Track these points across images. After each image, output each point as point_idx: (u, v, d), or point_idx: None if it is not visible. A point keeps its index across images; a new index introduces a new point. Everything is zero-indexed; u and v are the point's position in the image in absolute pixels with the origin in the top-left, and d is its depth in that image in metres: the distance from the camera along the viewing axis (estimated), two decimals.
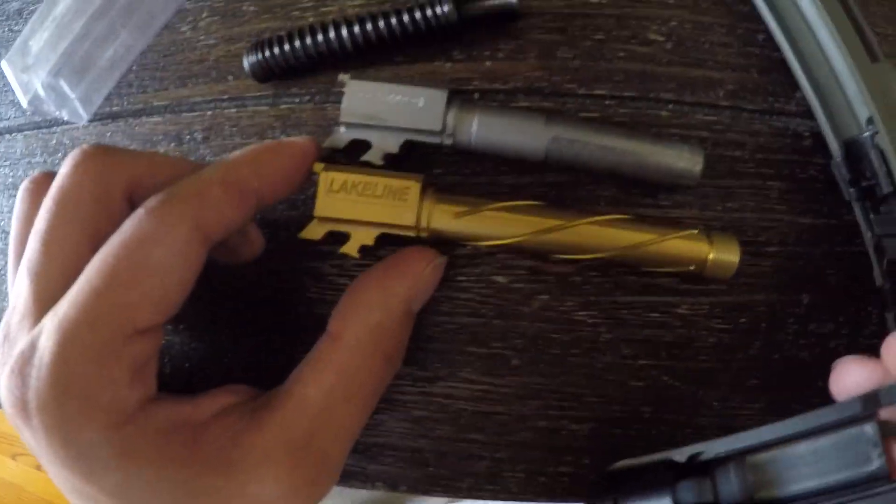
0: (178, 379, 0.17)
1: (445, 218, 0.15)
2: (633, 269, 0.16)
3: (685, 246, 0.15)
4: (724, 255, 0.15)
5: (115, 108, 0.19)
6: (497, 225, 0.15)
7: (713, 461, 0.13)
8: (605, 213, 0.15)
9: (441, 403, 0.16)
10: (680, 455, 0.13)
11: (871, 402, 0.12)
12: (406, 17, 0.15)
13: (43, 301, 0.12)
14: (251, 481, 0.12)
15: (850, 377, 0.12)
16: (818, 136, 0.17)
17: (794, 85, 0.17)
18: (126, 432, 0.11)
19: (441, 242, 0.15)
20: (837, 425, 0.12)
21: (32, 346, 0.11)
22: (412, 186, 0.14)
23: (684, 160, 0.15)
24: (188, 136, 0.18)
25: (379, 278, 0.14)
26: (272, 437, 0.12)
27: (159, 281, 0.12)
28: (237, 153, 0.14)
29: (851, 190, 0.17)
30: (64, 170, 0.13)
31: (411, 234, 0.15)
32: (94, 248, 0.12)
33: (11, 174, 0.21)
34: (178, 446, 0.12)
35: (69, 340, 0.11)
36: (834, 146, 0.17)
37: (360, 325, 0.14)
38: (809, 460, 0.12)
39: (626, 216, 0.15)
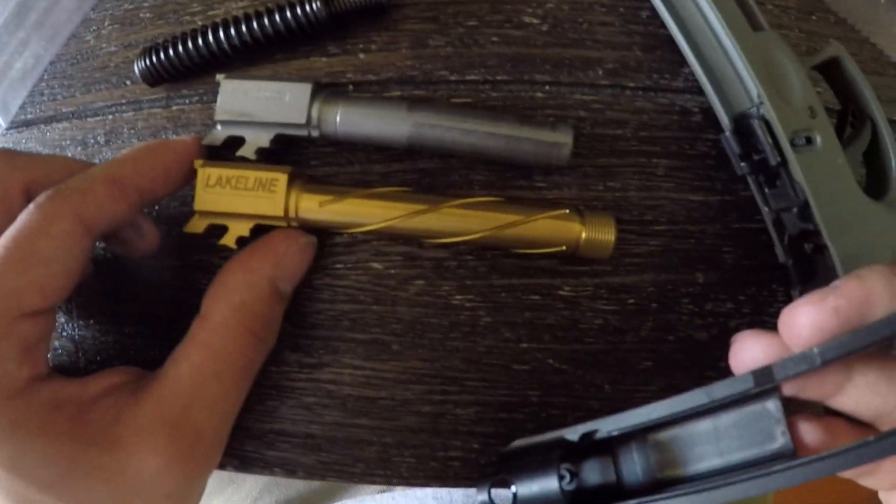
0: (76, 362, 0.19)
1: (312, 207, 0.15)
2: (508, 251, 0.16)
3: (556, 226, 0.16)
4: (597, 233, 0.16)
5: (28, 116, 0.20)
6: (364, 211, 0.15)
7: (615, 440, 0.13)
8: (478, 196, 0.16)
9: (328, 389, 0.17)
10: (573, 434, 0.14)
11: (764, 376, 0.12)
12: (278, 17, 0.16)
13: None
14: (131, 456, 0.13)
15: (748, 352, 0.13)
16: (708, 112, 0.17)
17: (682, 61, 0.17)
18: (15, 405, 0.13)
19: (315, 231, 0.16)
20: (738, 402, 0.12)
21: None
22: (280, 178, 0.15)
23: (552, 139, 0.16)
24: (92, 140, 0.19)
25: (244, 260, 0.15)
26: (150, 412, 0.14)
27: (45, 269, 0.13)
28: (122, 153, 0.15)
29: (743, 164, 0.17)
30: None
31: (282, 223, 0.16)
32: None
33: None
34: (63, 422, 0.13)
35: None
36: (724, 120, 0.17)
37: (225, 304, 0.15)
38: (712, 438, 0.13)
39: (494, 198, 0.16)
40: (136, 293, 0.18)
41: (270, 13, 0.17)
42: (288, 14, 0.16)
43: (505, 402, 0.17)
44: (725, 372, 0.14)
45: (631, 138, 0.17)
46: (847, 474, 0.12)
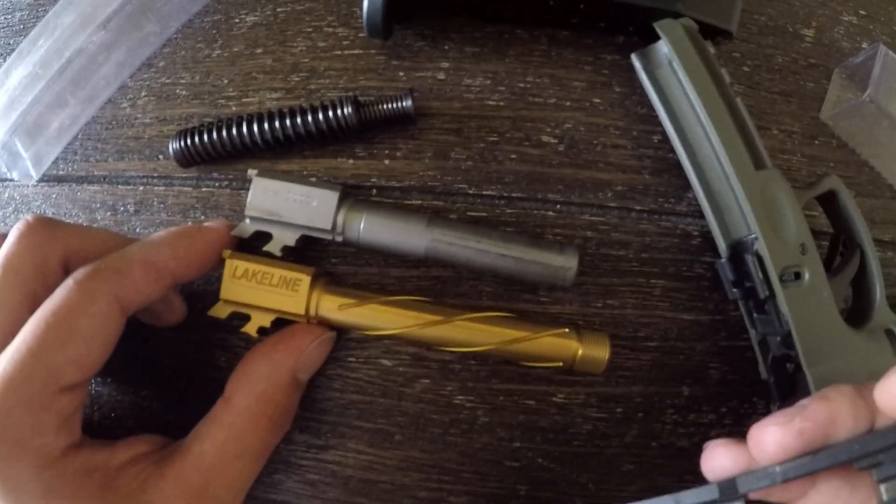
0: (104, 425, 0.21)
1: (332, 308, 0.18)
2: (509, 362, 0.19)
3: (556, 343, 0.18)
4: (593, 351, 0.18)
5: (61, 172, 0.23)
6: (380, 317, 0.18)
7: None
8: (486, 307, 0.18)
9: (332, 469, 0.20)
10: None
11: (729, 489, 0.14)
12: (311, 117, 0.19)
13: None
14: None
15: (717, 461, 0.14)
16: (707, 236, 0.20)
17: (686, 185, 0.20)
18: (51, 473, 0.15)
19: (332, 328, 0.19)
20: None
21: None
22: (303, 279, 0.18)
23: (558, 263, 0.18)
24: (122, 208, 0.22)
25: (267, 352, 0.18)
26: (174, 484, 0.16)
27: (82, 346, 0.15)
28: (159, 235, 0.17)
29: (735, 290, 0.19)
30: (9, 240, 0.16)
31: (302, 320, 0.18)
32: (32, 309, 0.15)
33: None
34: (94, 488, 0.15)
35: (6, 392, 0.14)
36: (722, 247, 0.19)
37: (248, 391, 0.17)
38: None
39: (501, 314, 0.18)
40: (155, 360, 0.21)
41: (304, 113, 0.19)
42: (321, 116, 0.19)
43: (495, 495, 0.19)
44: (704, 478, 0.16)
45: (633, 259, 0.20)
46: None
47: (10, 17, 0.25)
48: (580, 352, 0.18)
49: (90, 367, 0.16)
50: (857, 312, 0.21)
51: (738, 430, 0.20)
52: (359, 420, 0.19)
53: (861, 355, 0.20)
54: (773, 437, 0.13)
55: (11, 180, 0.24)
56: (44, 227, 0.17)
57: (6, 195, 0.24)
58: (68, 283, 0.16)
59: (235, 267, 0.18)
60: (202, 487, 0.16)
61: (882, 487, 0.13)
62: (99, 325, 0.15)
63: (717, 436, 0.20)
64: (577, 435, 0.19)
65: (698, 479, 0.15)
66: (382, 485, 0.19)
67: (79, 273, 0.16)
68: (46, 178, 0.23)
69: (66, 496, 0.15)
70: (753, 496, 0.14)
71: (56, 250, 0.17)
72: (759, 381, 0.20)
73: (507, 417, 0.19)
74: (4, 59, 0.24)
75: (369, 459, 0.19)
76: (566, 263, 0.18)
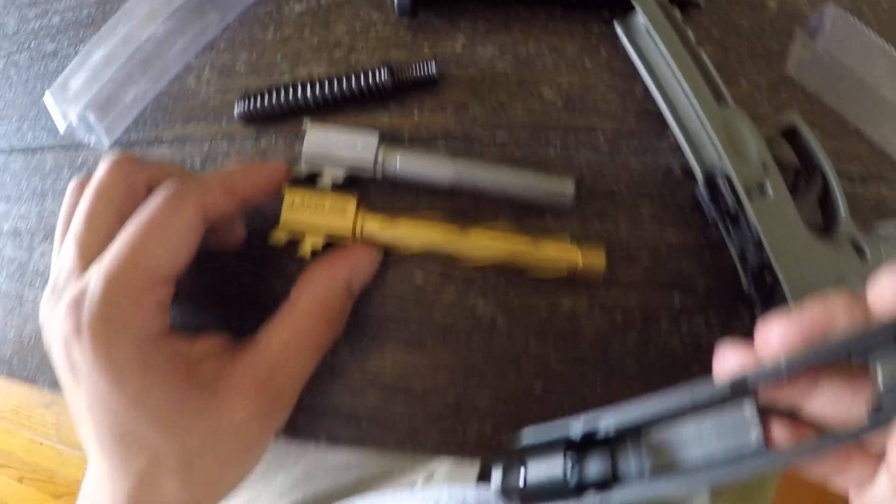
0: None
1: (375, 227, 0.23)
2: (522, 273, 0.24)
3: (559, 250, 0.23)
4: (591, 259, 0.23)
5: (132, 138, 0.29)
6: (412, 232, 0.23)
7: (611, 440, 0.17)
8: (500, 227, 0.24)
9: (372, 375, 0.25)
10: (575, 429, 0.18)
11: (739, 384, 0.15)
12: (353, 82, 0.25)
13: (85, 261, 0.20)
14: (227, 404, 0.20)
15: (727, 361, 0.16)
16: (687, 169, 0.25)
17: (666, 129, 0.25)
18: (148, 351, 0.19)
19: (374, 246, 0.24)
20: (718, 405, 0.16)
21: (83, 288, 0.19)
22: (350, 204, 0.23)
23: (558, 189, 0.24)
24: (189, 163, 0.27)
25: (327, 264, 0.23)
26: (244, 372, 0.21)
27: (175, 245, 0.20)
28: (231, 167, 0.23)
29: (713, 210, 0.25)
30: (100, 170, 0.21)
31: (349, 240, 0.23)
32: (122, 224, 0.19)
33: (40, 185, 0.31)
34: (180, 371, 0.20)
35: (113, 281, 0.18)
36: (698, 175, 0.25)
37: (310, 296, 0.22)
38: (695, 437, 0.17)
39: (512, 228, 0.24)
40: (217, 287, 0.26)
41: (349, 79, 0.25)
42: (361, 81, 0.25)
43: (514, 392, 0.24)
44: (697, 378, 0.21)
45: (624, 190, 0.25)
46: (819, 472, 0.16)
47: (78, 12, 0.32)
48: (580, 259, 0.23)
49: (178, 264, 0.20)
50: (824, 227, 0.26)
51: (726, 336, 0.25)
52: (395, 330, 0.24)
53: (829, 264, 0.25)
54: (776, 331, 0.15)
55: (85, 147, 0.29)
56: (129, 158, 0.22)
57: (79, 160, 0.30)
58: (160, 195, 0.20)
59: (293, 198, 0.23)
60: (268, 376, 0.21)
61: (878, 368, 0.14)
62: (187, 228, 0.20)
63: (709, 340, 0.25)
64: (583, 339, 0.24)
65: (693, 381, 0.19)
66: (416, 387, 0.24)
67: (168, 189, 0.20)
68: (118, 143, 0.29)
69: (158, 373, 0.19)
70: (763, 394, 0.16)
71: (141, 177, 0.22)
72: (743, 294, 0.25)
73: (522, 324, 0.24)
74: (75, 50, 0.31)
75: (404, 365, 0.24)
76: (564, 189, 0.23)
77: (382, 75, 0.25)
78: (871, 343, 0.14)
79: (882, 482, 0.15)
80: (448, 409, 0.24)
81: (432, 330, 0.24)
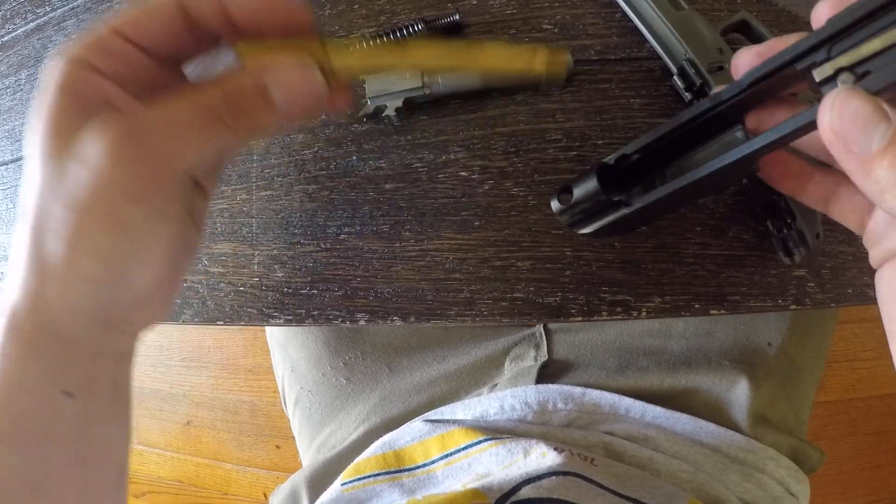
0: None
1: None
2: (510, 94, 0.31)
3: (521, 49, 0.27)
4: (556, 55, 0.27)
5: None
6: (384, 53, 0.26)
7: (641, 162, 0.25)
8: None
9: (432, 255, 0.31)
10: (609, 158, 0.25)
11: (715, 97, 0.22)
12: (403, 31, 0.33)
13: None
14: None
15: (742, 60, 0.22)
16: (664, 68, 0.32)
17: (643, 41, 0.32)
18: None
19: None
20: (716, 134, 0.24)
21: None
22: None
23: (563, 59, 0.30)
24: None
25: (263, 62, 0.22)
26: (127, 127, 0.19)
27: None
28: None
29: (687, 94, 0.31)
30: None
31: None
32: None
33: None
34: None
35: None
36: (672, 68, 0.31)
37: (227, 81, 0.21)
38: (701, 161, 0.24)
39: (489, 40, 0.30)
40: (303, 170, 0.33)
41: (400, 29, 0.33)
42: (404, 31, 0.33)
43: (549, 256, 0.30)
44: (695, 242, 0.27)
45: (615, 89, 0.32)
46: (788, 187, 0.24)
47: None
48: (542, 53, 0.26)
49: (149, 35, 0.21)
50: None
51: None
52: (449, 216, 0.31)
53: None
54: (741, 59, 0.21)
55: None
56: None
57: None
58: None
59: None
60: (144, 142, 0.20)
61: (814, 73, 0.18)
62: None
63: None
64: None
65: (698, 237, 0.25)
66: (469, 261, 0.31)
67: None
68: None
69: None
70: (750, 120, 0.23)
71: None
72: None
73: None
74: None
75: (458, 243, 0.31)
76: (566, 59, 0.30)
77: (419, 26, 0.32)
78: (809, 49, 0.18)
79: (879, 215, 0.21)
80: (496, 276, 0.31)
81: (478, 212, 0.31)
